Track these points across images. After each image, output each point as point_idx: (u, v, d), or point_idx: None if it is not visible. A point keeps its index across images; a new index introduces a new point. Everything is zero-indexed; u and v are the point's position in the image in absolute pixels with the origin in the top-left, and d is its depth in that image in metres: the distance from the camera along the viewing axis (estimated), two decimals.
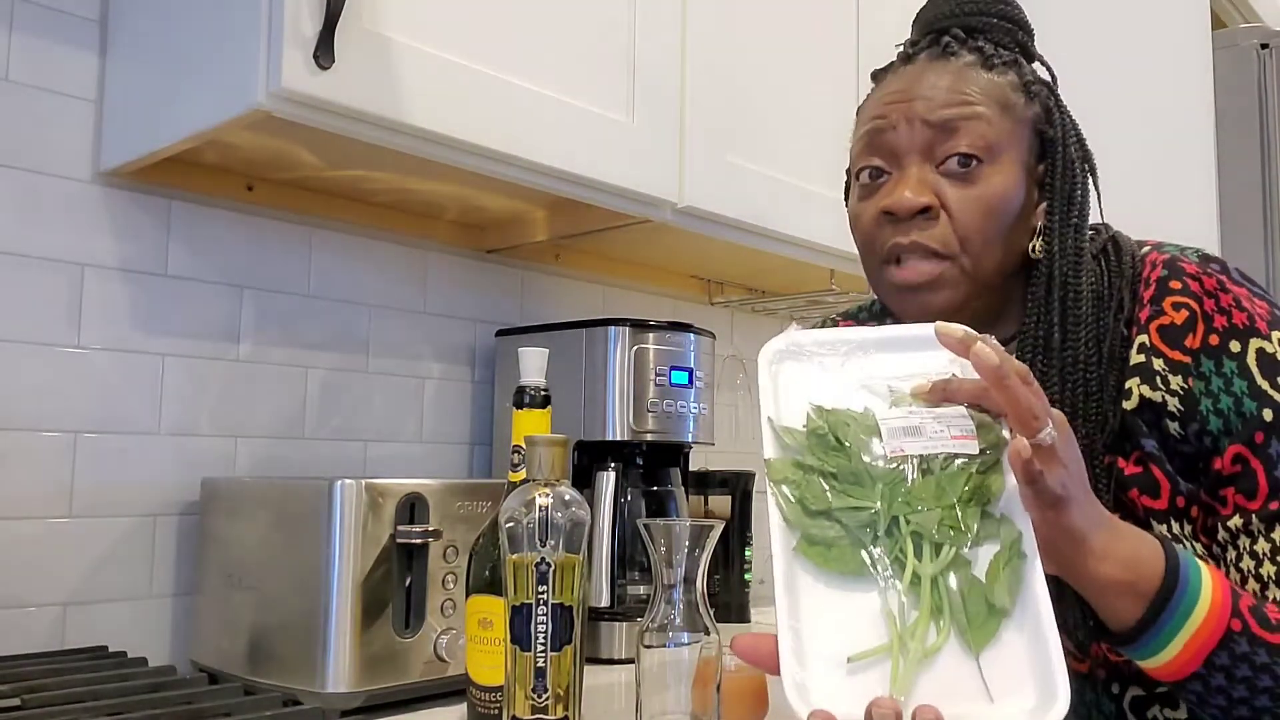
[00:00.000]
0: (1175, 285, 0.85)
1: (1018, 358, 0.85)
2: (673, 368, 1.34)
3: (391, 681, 1.00)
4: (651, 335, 1.34)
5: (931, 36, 0.94)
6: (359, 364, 1.40)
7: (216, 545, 1.12)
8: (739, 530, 1.61)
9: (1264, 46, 2.48)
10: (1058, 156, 0.90)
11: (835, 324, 1.10)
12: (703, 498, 1.63)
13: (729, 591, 1.60)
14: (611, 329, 1.33)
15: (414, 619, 1.02)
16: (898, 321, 0.97)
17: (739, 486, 1.63)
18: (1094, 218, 0.94)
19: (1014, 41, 0.94)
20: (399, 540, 1.00)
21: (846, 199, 0.99)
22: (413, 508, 1.02)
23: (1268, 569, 0.81)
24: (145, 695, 0.92)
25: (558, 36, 1.20)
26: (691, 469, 1.52)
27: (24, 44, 1.13)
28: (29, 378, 1.11)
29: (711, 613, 0.84)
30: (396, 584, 1.00)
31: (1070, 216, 0.90)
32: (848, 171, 0.98)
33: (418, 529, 1.01)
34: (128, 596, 1.17)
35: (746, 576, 1.61)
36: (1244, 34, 2.55)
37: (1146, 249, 0.90)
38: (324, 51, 0.95)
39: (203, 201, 1.25)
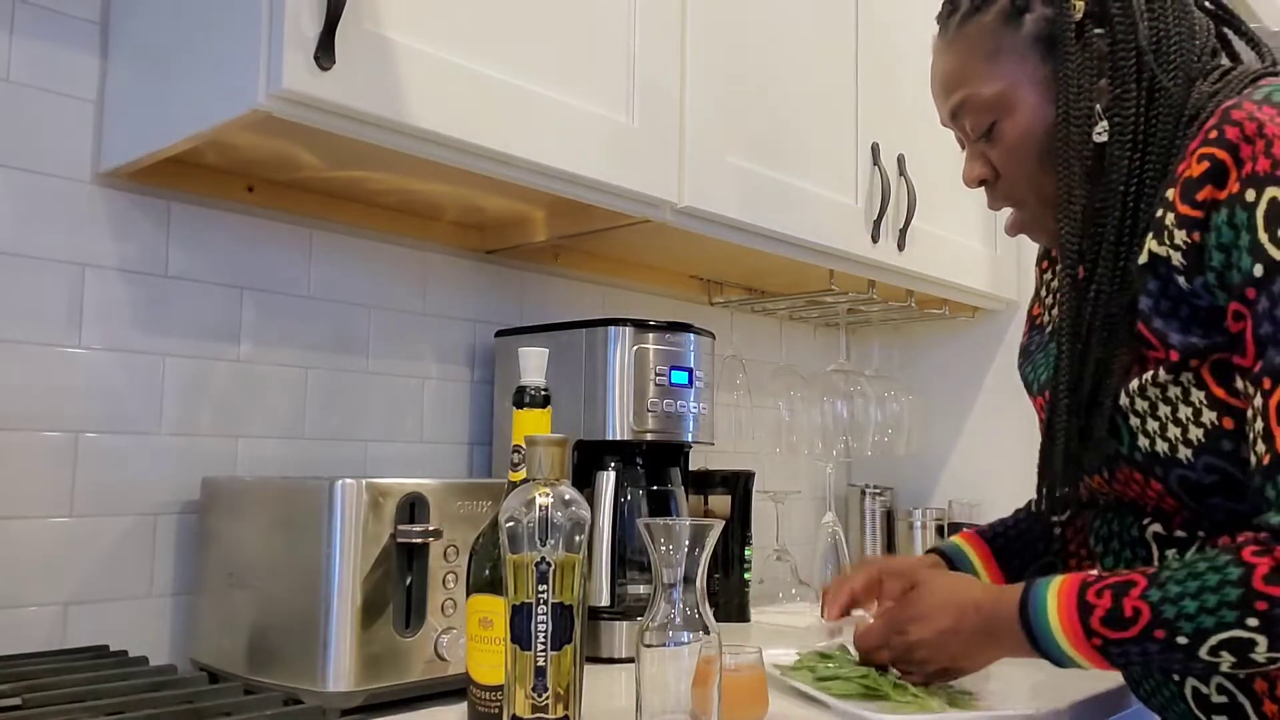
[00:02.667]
0: (1213, 135, 0.83)
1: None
2: (673, 368, 1.34)
3: (392, 681, 1.00)
4: (651, 335, 1.34)
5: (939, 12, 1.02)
6: (359, 364, 1.40)
7: (217, 545, 1.13)
8: (739, 530, 1.61)
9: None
10: (1059, 54, 0.92)
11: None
12: (703, 497, 1.63)
13: (729, 591, 1.60)
14: (611, 329, 1.33)
15: (414, 618, 1.02)
16: None
17: (739, 486, 1.63)
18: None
19: None
20: (399, 540, 1.00)
21: None
22: (413, 507, 1.02)
23: (1255, 427, 0.81)
24: (146, 694, 0.92)
25: (558, 37, 1.20)
26: (691, 469, 1.52)
27: (24, 44, 1.13)
28: (29, 378, 1.11)
29: (711, 612, 0.84)
30: (397, 583, 1.01)
31: (1072, 110, 0.90)
32: None
33: (418, 528, 1.01)
34: (128, 596, 1.17)
35: (746, 576, 1.61)
36: None
37: (1227, 102, 0.85)
38: (324, 52, 0.96)
39: (203, 202, 1.25)
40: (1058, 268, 1.14)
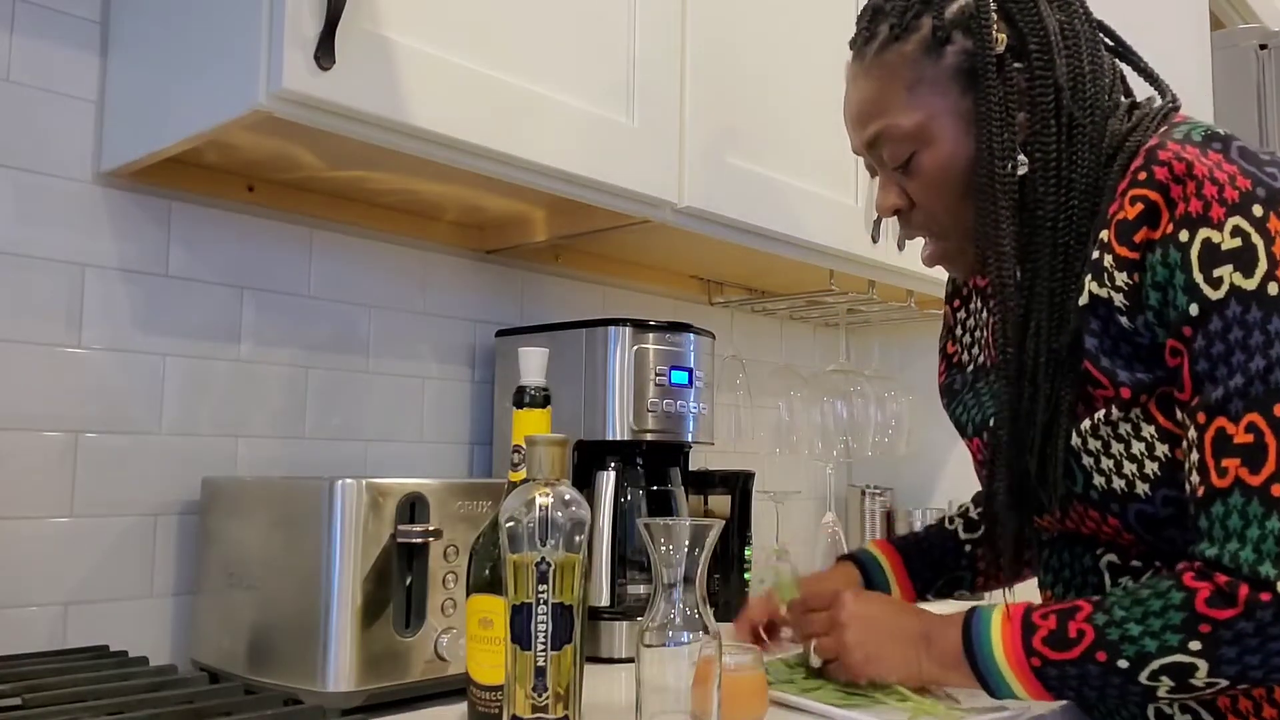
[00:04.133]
0: (1142, 176, 0.84)
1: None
2: (673, 368, 1.34)
3: (392, 681, 1.00)
4: (651, 335, 1.34)
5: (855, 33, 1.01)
6: (359, 364, 1.40)
7: (217, 545, 1.13)
8: (739, 530, 1.61)
9: (1263, 47, 2.49)
10: (979, 88, 0.90)
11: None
12: (703, 497, 1.63)
13: (729, 591, 1.60)
14: (611, 329, 1.33)
15: (414, 618, 1.02)
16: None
17: (739, 486, 1.63)
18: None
19: None
20: (399, 540, 1.00)
21: None
22: (413, 507, 1.02)
23: (1190, 459, 0.83)
24: (146, 694, 0.92)
25: (558, 37, 1.20)
26: (691, 469, 1.52)
27: (24, 44, 1.13)
28: (29, 378, 1.11)
29: (711, 612, 0.84)
30: (397, 583, 1.01)
31: (994, 142, 0.89)
32: None
33: (418, 528, 1.01)
34: (128, 596, 1.17)
35: (746, 576, 1.61)
36: (1243, 34, 2.55)
37: (1152, 137, 0.87)
38: (325, 52, 0.96)
39: (203, 202, 1.25)
40: (973, 305, 1.15)
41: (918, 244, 1.73)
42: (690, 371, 1.36)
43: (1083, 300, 0.86)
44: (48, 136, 1.14)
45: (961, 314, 1.16)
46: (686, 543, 0.83)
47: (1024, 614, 0.87)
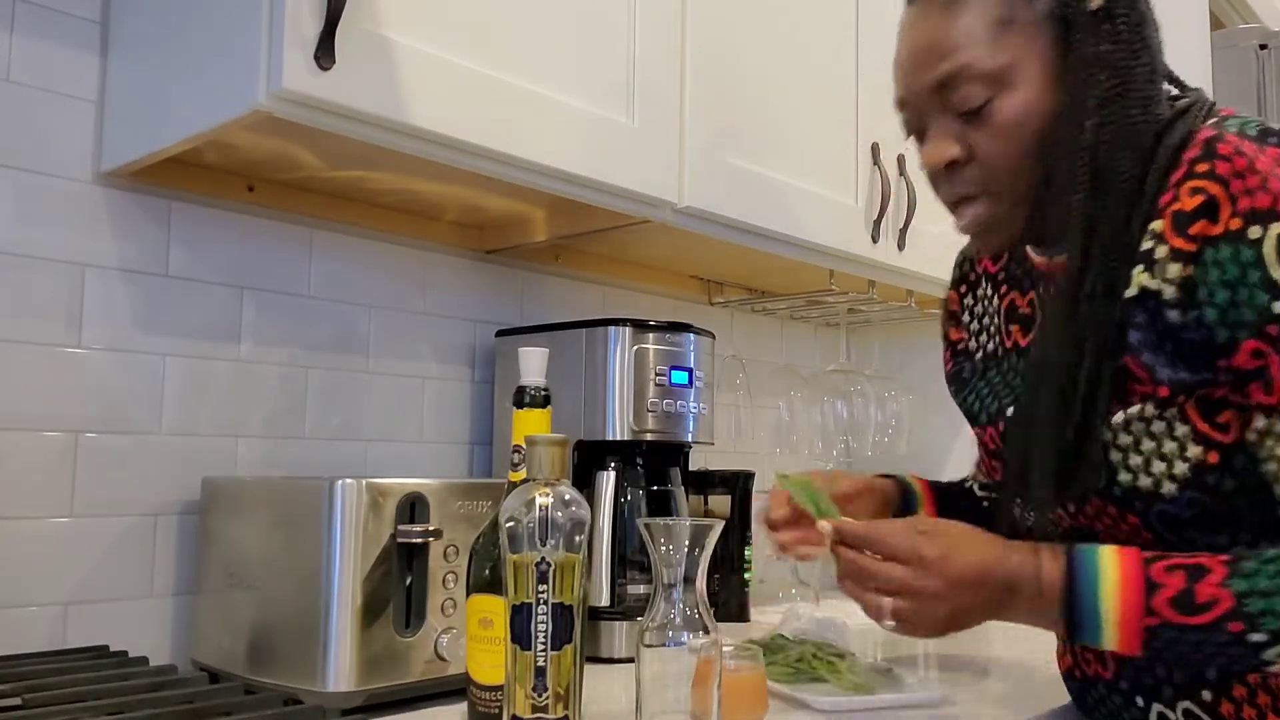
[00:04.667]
0: (1202, 168, 0.81)
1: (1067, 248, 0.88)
2: (673, 368, 1.34)
3: (392, 681, 1.00)
4: (651, 335, 1.34)
5: None
6: (359, 364, 1.40)
7: (217, 545, 1.13)
8: (739, 530, 1.61)
9: (1263, 47, 2.49)
10: (1074, 38, 0.86)
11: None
12: (703, 497, 1.63)
13: (729, 591, 1.60)
14: (611, 329, 1.33)
15: (414, 618, 1.02)
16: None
17: (739, 486, 1.63)
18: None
19: None
20: (399, 540, 1.00)
21: None
22: (413, 507, 1.02)
23: None
24: (146, 694, 0.92)
25: (558, 37, 1.20)
26: (691, 469, 1.52)
27: (24, 44, 1.13)
28: (29, 378, 1.11)
29: (711, 612, 0.84)
30: (397, 583, 1.01)
31: (1085, 101, 0.85)
32: None
33: (418, 528, 1.01)
34: (128, 596, 1.17)
35: (746, 576, 1.61)
36: (1243, 34, 2.55)
37: (1204, 125, 0.85)
38: (324, 52, 0.96)
39: (203, 202, 1.25)
40: (981, 291, 1.10)
41: (918, 244, 1.75)
42: (690, 371, 1.36)
43: (1130, 292, 0.83)
44: (48, 136, 1.14)
45: (969, 300, 1.12)
46: (686, 543, 0.83)
47: (1143, 569, 0.81)
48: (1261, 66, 2.48)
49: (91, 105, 1.17)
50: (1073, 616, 0.83)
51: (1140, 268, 0.83)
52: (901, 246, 1.73)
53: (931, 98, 0.91)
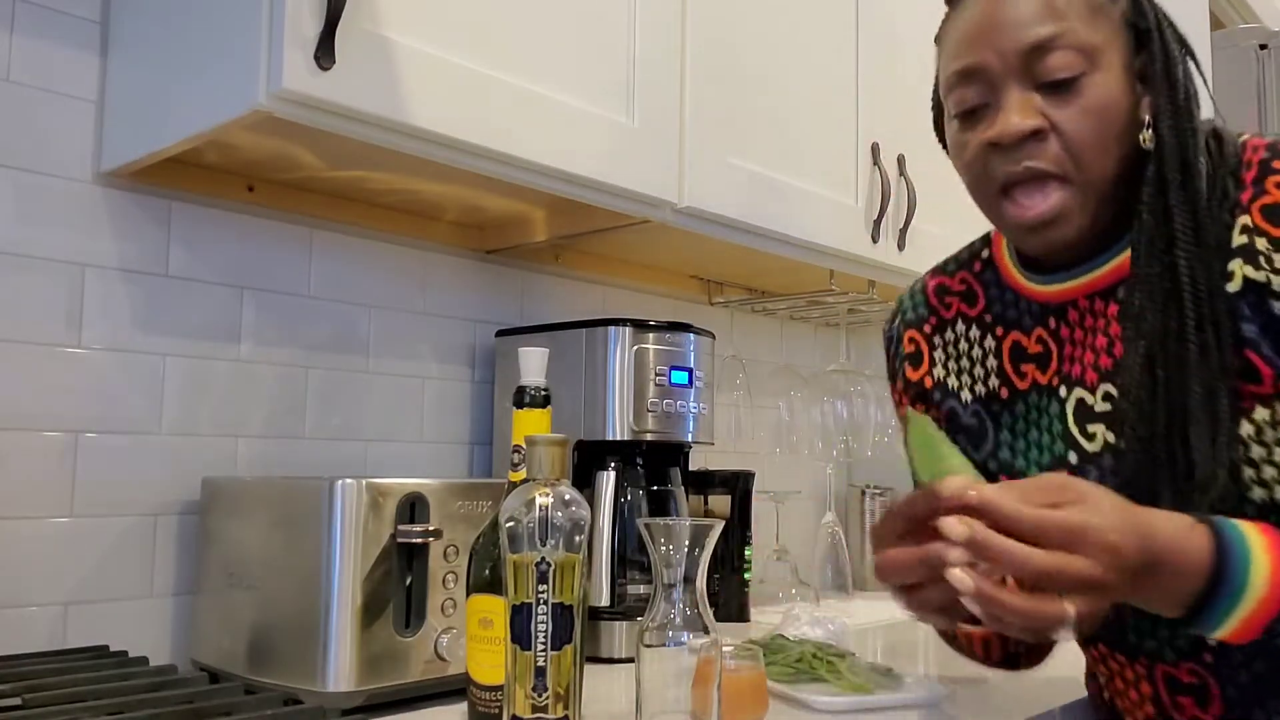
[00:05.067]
0: (1278, 164, 0.84)
1: (1133, 255, 0.86)
2: (673, 368, 1.34)
3: (392, 681, 1.00)
4: (651, 335, 1.34)
5: None
6: (359, 364, 1.40)
7: (217, 545, 1.13)
8: (739, 530, 1.61)
9: (1263, 47, 2.49)
10: (1154, 45, 0.88)
11: (924, 283, 1.09)
12: (703, 497, 1.63)
13: (729, 591, 1.60)
14: (611, 329, 1.33)
15: (414, 618, 1.02)
16: (996, 263, 1.01)
17: (739, 486, 1.63)
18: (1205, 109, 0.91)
19: None
20: (399, 540, 1.00)
21: (939, 133, 0.99)
22: (413, 507, 1.02)
23: None
24: (146, 694, 0.92)
25: (558, 37, 1.20)
26: (691, 469, 1.52)
27: (24, 44, 1.13)
28: (29, 378, 1.11)
29: (711, 612, 0.84)
30: (397, 583, 1.01)
31: (1177, 99, 0.87)
32: (936, 99, 0.98)
33: (418, 528, 1.01)
34: (128, 596, 1.17)
35: (746, 576, 1.61)
36: (1243, 34, 2.56)
37: (1245, 136, 0.88)
38: (324, 52, 0.96)
39: (203, 202, 1.25)
40: (959, 329, 1.03)
41: (918, 244, 1.75)
42: (690, 371, 1.36)
43: (1234, 286, 0.83)
44: (48, 136, 1.14)
45: (938, 339, 1.06)
46: (686, 543, 0.83)
47: None
48: (1261, 66, 2.48)
49: (91, 105, 1.17)
50: (1211, 599, 0.74)
51: (1239, 261, 0.83)
52: (901, 246, 1.73)
53: (1018, 62, 0.86)
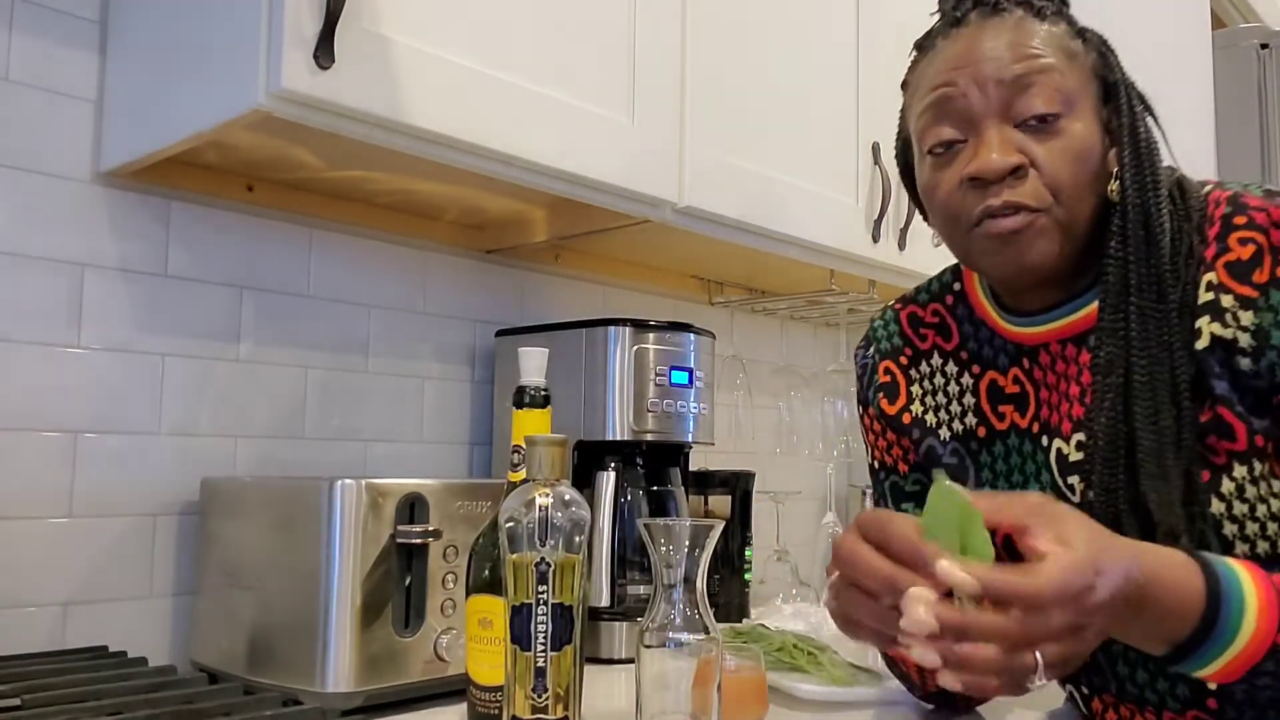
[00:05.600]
0: (1240, 220, 0.83)
1: (1099, 306, 0.86)
2: (673, 368, 1.34)
3: (391, 681, 1.00)
4: (651, 335, 1.34)
5: None
6: (359, 364, 1.40)
7: (216, 545, 1.12)
8: (739, 530, 1.61)
9: (1264, 46, 2.49)
10: (1121, 99, 0.88)
11: (896, 312, 1.09)
12: (703, 498, 1.63)
13: (729, 591, 1.60)
14: (611, 329, 1.33)
15: (414, 619, 1.02)
16: (969, 297, 1.01)
17: (739, 486, 1.63)
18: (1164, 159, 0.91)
19: None
20: (399, 540, 1.00)
21: (904, 173, 0.99)
22: (413, 507, 1.02)
23: None
24: (145, 695, 0.92)
25: (558, 36, 1.20)
26: (691, 469, 1.52)
27: (24, 44, 1.13)
28: (29, 378, 1.11)
29: (711, 612, 0.84)
30: (396, 584, 1.00)
31: (1140, 154, 0.87)
32: (902, 143, 0.97)
33: (418, 529, 1.01)
34: (128, 596, 1.17)
35: (746, 576, 1.61)
36: (1244, 34, 2.56)
37: (1208, 188, 0.88)
38: (324, 52, 0.95)
39: (203, 201, 1.25)
40: (934, 362, 1.03)
41: (918, 244, 1.75)
42: (690, 371, 1.36)
43: (1202, 344, 0.83)
44: (47, 136, 1.14)
45: (914, 372, 1.05)
46: (686, 543, 0.83)
47: (1274, 590, 0.74)
48: (1262, 66, 2.48)
49: (91, 105, 1.17)
50: (1201, 642, 0.73)
51: (1206, 318, 0.83)
52: (902, 246, 1.73)
53: (999, 96, 0.86)
